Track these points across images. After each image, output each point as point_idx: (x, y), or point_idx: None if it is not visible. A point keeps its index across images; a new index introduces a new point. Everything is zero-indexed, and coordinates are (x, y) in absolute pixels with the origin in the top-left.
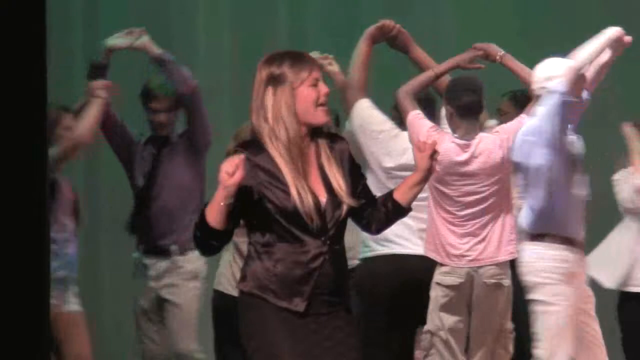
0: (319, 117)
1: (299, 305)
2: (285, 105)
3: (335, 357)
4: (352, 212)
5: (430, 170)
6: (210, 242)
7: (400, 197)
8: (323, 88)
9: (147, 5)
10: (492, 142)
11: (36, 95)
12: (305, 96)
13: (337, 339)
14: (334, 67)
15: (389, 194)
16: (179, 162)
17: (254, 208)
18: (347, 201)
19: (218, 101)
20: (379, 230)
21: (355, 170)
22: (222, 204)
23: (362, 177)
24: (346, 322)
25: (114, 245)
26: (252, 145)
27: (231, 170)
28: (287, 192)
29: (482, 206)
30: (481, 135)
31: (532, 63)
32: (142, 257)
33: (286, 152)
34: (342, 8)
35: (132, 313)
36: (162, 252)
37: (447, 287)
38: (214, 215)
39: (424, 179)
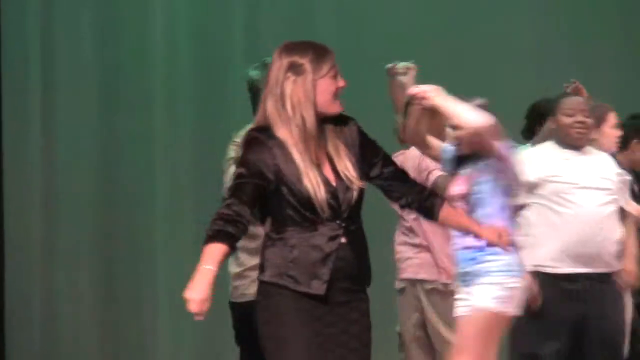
0: (336, 108)
1: (319, 288)
2: (305, 95)
3: (350, 352)
4: (379, 185)
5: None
6: None
7: (444, 216)
8: (341, 81)
9: (102, 5)
10: None
11: None
12: (325, 88)
13: (352, 333)
14: (405, 78)
15: (439, 201)
16: None
17: (269, 195)
18: (356, 184)
19: (173, 101)
20: (405, 207)
21: (369, 147)
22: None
23: (379, 151)
24: (362, 314)
25: None
26: (266, 131)
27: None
28: (300, 180)
29: None
30: None
31: None
32: None
33: (301, 140)
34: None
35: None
36: None
37: None
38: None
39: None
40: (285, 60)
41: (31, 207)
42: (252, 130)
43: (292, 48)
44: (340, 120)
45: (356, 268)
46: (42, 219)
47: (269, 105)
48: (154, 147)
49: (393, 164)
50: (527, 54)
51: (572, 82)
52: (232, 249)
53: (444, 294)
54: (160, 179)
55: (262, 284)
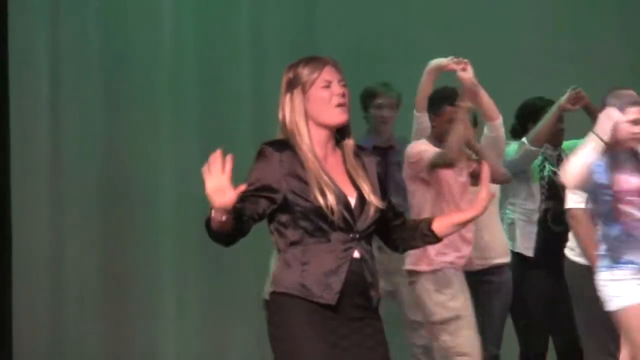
0: (334, 116)
1: (330, 298)
2: (296, 109)
3: None
4: (379, 229)
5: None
6: (221, 239)
7: (439, 229)
8: (337, 89)
9: (109, 1)
10: None
11: None
12: (316, 98)
13: (367, 346)
14: (466, 74)
15: (427, 222)
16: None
17: (281, 206)
18: (374, 200)
19: (179, 99)
20: (405, 249)
21: (383, 184)
22: (222, 219)
23: (388, 195)
24: (376, 330)
25: None
26: (279, 143)
27: (216, 186)
28: (311, 189)
29: None
30: None
31: None
32: None
33: (309, 151)
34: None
35: None
36: None
37: None
38: (216, 224)
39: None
40: (284, 79)
41: (38, 204)
42: (264, 143)
43: (289, 65)
44: (360, 151)
45: (368, 285)
46: (49, 216)
47: (280, 120)
48: (160, 144)
49: (396, 209)
50: (530, 54)
51: (574, 90)
52: (235, 230)
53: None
54: (166, 176)
55: (273, 295)
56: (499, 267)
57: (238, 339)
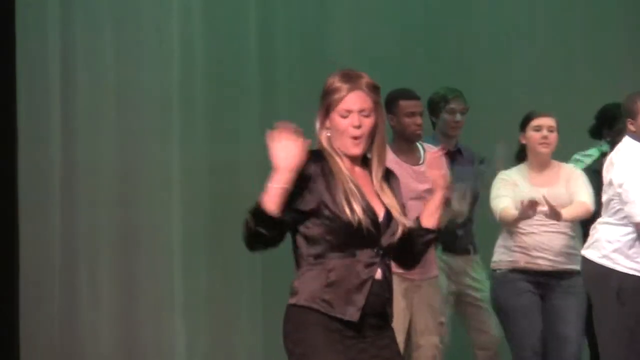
0: (347, 148)
1: (353, 315)
2: (325, 124)
3: None
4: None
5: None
6: (260, 230)
7: (427, 222)
8: (354, 120)
9: (120, 6)
10: None
11: (5, 99)
12: (334, 124)
13: (384, 356)
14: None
15: (417, 224)
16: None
17: (308, 218)
18: (402, 219)
19: (191, 101)
20: (413, 265)
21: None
22: (281, 186)
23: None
24: (392, 340)
25: None
26: (314, 153)
27: (289, 151)
28: (341, 203)
29: None
30: None
31: None
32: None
33: (341, 166)
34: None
35: None
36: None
37: None
38: (270, 198)
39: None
40: (324, 85)
41: (50, 207)
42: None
43: (333, 73)
44: (386, 172)
45: (385, 303)
46: (61, 219)
47: (316, 130)
48: (171, 145)
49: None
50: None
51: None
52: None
53: None
54: (177, 177)
55: (292, 307)
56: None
57: (245, 338)
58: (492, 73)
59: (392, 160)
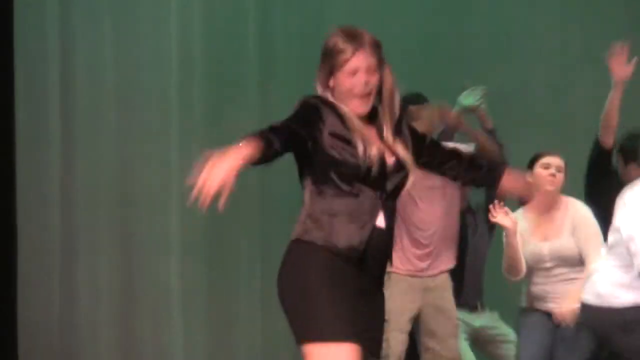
0: (354, 107)
1: (355, 251)
2: (323, 83)
3: (365, 340)
4: (431, 165)
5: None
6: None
7: (504, 185)
8: (361, 77)
9: (120, 5)
10: None
11: (4, 99)
12: (340, 83)
13: (377, 318)
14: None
15: (497, 172)
16: None
17: (315, 156)
18: (409, 166)
19: (190, 101)
20: (467, 184)
21: (416, 136)
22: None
23: (425, 137)
24: (381, 308)
25: None
26: (321, 99)
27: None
28: (352, 142)
29: None
30: None
31: None
32: None
33: (350, 112)
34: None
35: None
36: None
37: None
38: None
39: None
40: (323, 46)
41: (49, 207)
42: (314, 97)
43: (332, 33)
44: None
45: (385, 255)
46: (60, 217)
47: (318, 91)
48: (170, 145)
49: (440, 147)
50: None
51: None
52: (265, 155)
53: None
54: (176, 177)
55: (298, 242)
56: None
57: (244, 338)
58: (491, 73)
59: None
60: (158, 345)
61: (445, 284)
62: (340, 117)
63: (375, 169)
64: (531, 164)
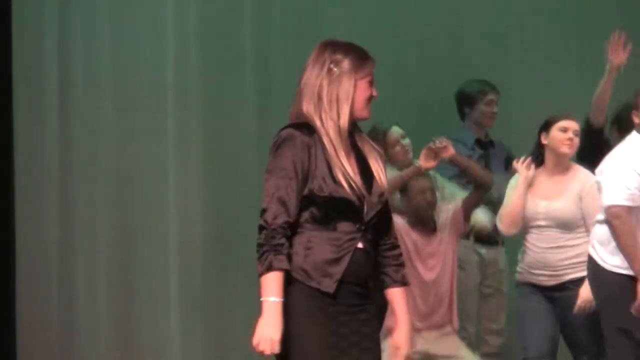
0: (366, 113)
1: (329, 286)
2: (345, 92)
3: (362, 351)
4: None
5: None
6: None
7: (390, 298)
8: (375, 91)
9: (117, 6)
10: None
11: (2, 100)
12: (362, 91)
13: (364, 333)
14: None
15: (388, 280)
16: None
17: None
18: (387, 193)
19: (186, 101)
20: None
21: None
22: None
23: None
24: (372, 316)
25: None
26: (300, 127)
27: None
28: (333, 176)
29: None
30: None
31: None
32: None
33: (336, 137)
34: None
35: None
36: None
37: None
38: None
39: None
40: (326, 57)
41: (47, 206)
42: (289, 127)
43: (333, 45)
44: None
45: (368, 275)
46: (58, 219)
47: (306, 101)
48: (167, 144)
49: (387, 204)
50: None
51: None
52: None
53: None
54: (173, 178)
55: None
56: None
57: (241, 340)
58: (487, 71)
59: None
60: (156, 345)
61: None
62: (321, 144)
63: (352, 200)
64: (546, 127)
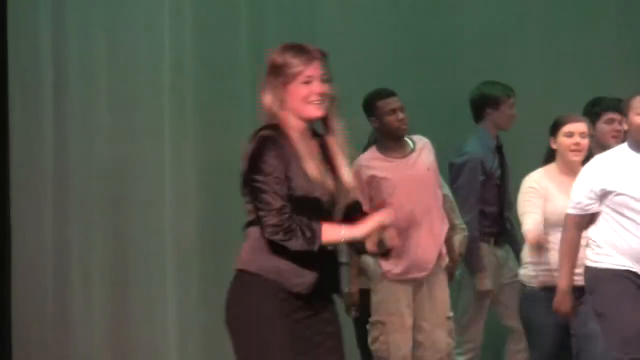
0: (310, 112)
1: (302, 288)
2: (278, 98)
3: (326, 351)
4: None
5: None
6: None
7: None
8: (317, 87)
9: (113, 6)
10: None
11: None
12: (295, 93)
13: (327, 333)
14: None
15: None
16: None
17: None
18: (353, 192)
19: (182, 101)
20: None
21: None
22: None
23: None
24: (335, 316)
25: None
26: (274, 130)
27: None
28: (306, 177)
29: None
30: None
31: None
32: None
33: (300, 138)
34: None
35: None
36: None
37: None
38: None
39: None
40: (270, 62)
41: (43, 205)
42: (265, 129)
43: (278, 49)
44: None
45: (335, 278)
46: (53, 218)
47: (265, 104)
48: (163, 144)
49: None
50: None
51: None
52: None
53: None
54: (169, 177)
55: (244, 274)
56: None
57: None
58: (481, 70)
59: (382, 159)
60: (152, 343)
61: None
62: (291, 147)
63: (325, 200)
64: (554, 130)
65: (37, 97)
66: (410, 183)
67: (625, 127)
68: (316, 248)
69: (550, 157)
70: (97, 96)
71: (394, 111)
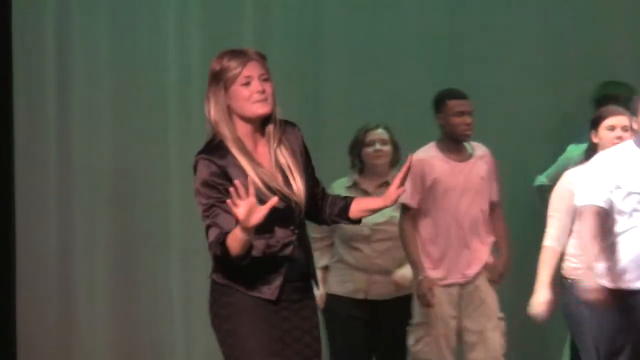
0: (254, 110)
1: (270, 294)
2: (221, 105)
3: (303, 347)
4: (315, 196)
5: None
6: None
7: (352, 213)
8: (257, 86)
9: (117, 6)
10: None
11: (1, 99)
12: (237, 95)
13: (305, 329)
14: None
15: (345, 206)
16: None
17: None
18: (303, 202)
19: (187, 101)
20: (331, 224)
21: (307, 160)
22: (250, 237)
23: (312, 168)
24: (313, 312)
25: None
26: (210, 147)
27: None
28: (257, 191)
29: None
30: None
31: None
32: None
33: (238, 148)
34: (307, 11)
35: None
36: None
37: None
38: (245, 246)
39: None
40: (210, 69)
41: (47, 206)
42: (207, 144)
43: (217, 56)
44: (285, 128)
45: (306, 266)
46: (57, 218)
47: (206, 114)
48: (168, 144)
49: (318, 181)
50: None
51: None
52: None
53: None
54: (174, 177)
55: (215, 283)
56: None
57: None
58: (489, 72)
59: (441, 159)
60: (157, 346)
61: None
62: (232, 156)
63: (281, 208)
64: (595, 125)
65: (41, 97)
66: (462, 188)
67: (635, 126)
68: (222, 253)
69: (591, 151)
70: (101, 97)
71: (462, 113)
